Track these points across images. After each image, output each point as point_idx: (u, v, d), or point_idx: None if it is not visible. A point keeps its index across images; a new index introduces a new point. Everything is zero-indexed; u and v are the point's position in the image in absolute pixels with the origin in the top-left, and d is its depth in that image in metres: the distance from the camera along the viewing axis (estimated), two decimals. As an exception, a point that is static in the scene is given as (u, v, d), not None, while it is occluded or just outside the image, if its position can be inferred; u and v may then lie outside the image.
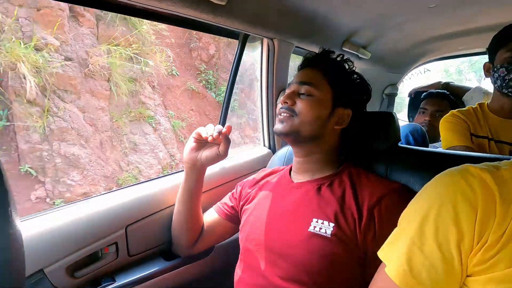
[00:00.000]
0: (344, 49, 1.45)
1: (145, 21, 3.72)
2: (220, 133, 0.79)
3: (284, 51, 1.17)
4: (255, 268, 0.74)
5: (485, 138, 1.03)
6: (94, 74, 3.53)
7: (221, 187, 1.08)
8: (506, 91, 0.97)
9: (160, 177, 1.03)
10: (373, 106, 2.27)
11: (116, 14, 3.54)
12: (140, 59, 3.95)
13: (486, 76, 1.04)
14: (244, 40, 1.09)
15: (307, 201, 0.74)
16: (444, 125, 1.11)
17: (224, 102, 1.12)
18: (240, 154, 1.23)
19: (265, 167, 1.08)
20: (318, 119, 0.75)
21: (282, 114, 0.78)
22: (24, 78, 2.91)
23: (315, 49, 1.41)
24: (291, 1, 0.97)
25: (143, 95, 4.08)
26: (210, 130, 0.81)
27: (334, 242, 0.65)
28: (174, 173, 1.05)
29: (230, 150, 0.82)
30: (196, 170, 0.85)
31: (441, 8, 1.21)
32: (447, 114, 1.14)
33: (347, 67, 0.82)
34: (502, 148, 1.00)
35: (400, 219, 0.49)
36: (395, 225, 0.49)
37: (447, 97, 1.59)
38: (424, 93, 1.68)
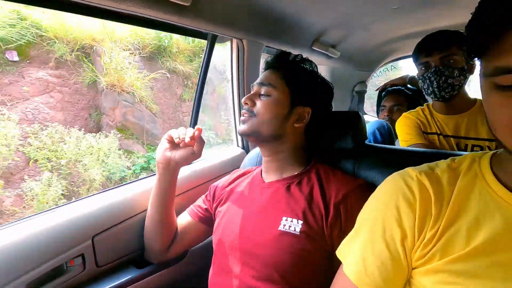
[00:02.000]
0: (314, 48, 1.48)
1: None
2: (192, 138, 0.79)
3: (254, 51, 1.17)
4: (229, 270, 0.75)
5: (435, 134, 1.12)
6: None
7: (195, 189, 1.06)
8: (431, 97, 1.09)
9: (130, 182, 1.00)
10: (344, 103, 2.34)
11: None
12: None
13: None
14: (212, 41, 1.08)
15: (277, 201, 0.75)
16: (400, 126, 1.20)
17: (194, 104, 1.10)
18: (213, 155, 1.22)
19: (238, 167, 1.08)
20: (276, 118, 0.77)
21: (244, 115, 0.81)
22: None
23: (286, 49, 1.42)
24: (259, 1, 0.97)
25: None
26: (181, 134, 0.81)
27: (303, 239, 0.67)
28: (145, 177, 1.02)
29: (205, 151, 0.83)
30: (170, 171, 0.84)
31: (403, 10, 1.27)
32: (401, 117, 1.22)
33: (307, 67, 0.84)
34: (449, 141, 1.09)
35: (357, 220, 0.53)
36: None
37: (403, 92, 1.70)
38: (384, 92, 1.78)
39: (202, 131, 0.82)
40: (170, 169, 0.84)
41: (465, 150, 1.07)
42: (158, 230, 0.86)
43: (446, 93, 1.03)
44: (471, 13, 0.40)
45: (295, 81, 0.79)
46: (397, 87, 1.74)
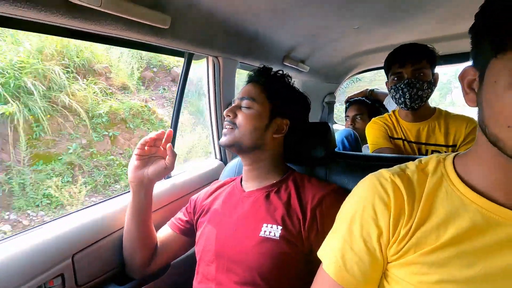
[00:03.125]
0: (285, 63, 1.57)
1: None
2: (160, 138, 0.82)
3: (229, 68, 1.23)
4: (212, 278, 0.77)
5: (400, 140, 1.22)
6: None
7: (175, 203, 1.08)
8: (401, 107, 1.17)
9: (107, 199, 0.99)
10: (316, 114, 2.46)
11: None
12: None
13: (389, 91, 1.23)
14: (189, 58, 1.12)
15: (257, 209, 0.79)
16: (369, 131, 1.29)
17: (172, 120, 1.13)
18: (192, 168, 1.24)
19: (217, 179, 1.11)
20: (256, 130, 0.82)
21: (226, 127, 0.84)
22: None
23: (259, 64, 1.50)
24: (233, 22, 1.04)
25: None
26: (152, 136, 0.84)
27: (282, 243, 0.72)
28: (121, 194, 1.02)
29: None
30: (144, 187, 0.84)
31: (363, 28, 1.40)
32: (370, 122, 1.31)
33: (286, 81, 0.90)
34: (412, 146, 1.19)
35: (336, 220, 0.57)
36: (334, 221, 0.57)
37: (364, 102, 1.87)
38: (347, 103, 1.96)
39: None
40: (144, 186, 0.84)
41: (426, 154, 1.16)
42: (137, 246, 0.86)
43: (415, 104, 1.11)
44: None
45: (275, 95, 0.84)
46: (358, 98, 1.92)
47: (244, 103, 0.83)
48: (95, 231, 0.86)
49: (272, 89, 0.85)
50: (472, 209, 0.44)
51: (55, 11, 0.62)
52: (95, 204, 0.96)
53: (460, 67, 1.92)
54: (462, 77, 0.45)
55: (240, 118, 0.82)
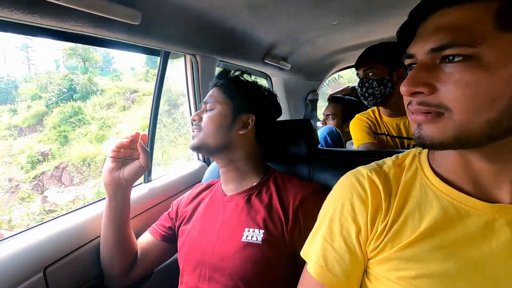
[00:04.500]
0: (266, 61, 1.56)
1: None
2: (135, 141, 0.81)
3: (207, 66, 1.20)
4: (195, 287, 0.74)
5: (384, 135, 1.24)
6: None
7: (156, 207, 1.04)
8: (366, 103, 1.22)
9: (82, 207, 0.94)
10: (299, 111, 2.47)
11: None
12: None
13: None
14: (165, 57, 1.09)
15: (238, 213, 0.78)
16: (353, 127, 1.31)
17: (150, 121, 1.09)
18: (174, 170, 1.21)
19: (200, 181, 1.08)
20: (220, 129, 0.81)
21: (194, 130, 0.85)
22: None
23: (240, 63, 1.49)
24: (209, 19, 1.01)
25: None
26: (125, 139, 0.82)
27: (265, 247, 0.70)
28: (98, 201, 0.97)
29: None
30: (121, 190, 0.81)
31: (342, 25, 1.41)
32: (354, 118, 1.33)
33: (245, 79, 0.89)
34: (394, 141, 1.22)
35: (317, 219, 0.56)
36: (316, 221, 0.56)
37: (341, 101, 1.89)
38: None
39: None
40: (121, 188, 0.81)
41: (408, 149, 1.18)
42: (115, 254, 0.82)
43: (369, 102, 1.19)
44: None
45: (236, 92, 0.85)
46: (336, 96, 1.94)
47: (208, 106, 0.85)
48: (69, 241, 0.81)
49: (232, 88, 0.86)
50: (444, 201, 0.44)
51: (10, 6, 0.57)
52: (68, 213, 0.90)
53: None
54: None
55: (204, 120, 0.84)
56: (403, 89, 0.41)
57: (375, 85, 1.16)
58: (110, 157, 0.81)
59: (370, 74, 1.16)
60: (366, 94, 1.18)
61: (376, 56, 1.16)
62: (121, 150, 0.82)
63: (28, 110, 15.29)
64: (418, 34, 0.43)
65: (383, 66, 1.15)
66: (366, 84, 1.17)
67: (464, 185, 0.44)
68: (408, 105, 0.43)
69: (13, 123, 15.01)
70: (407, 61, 0.45)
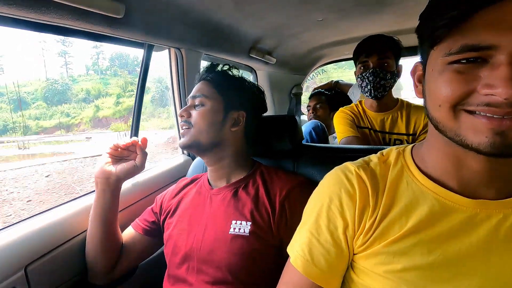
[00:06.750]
0: (251, 55, 1.55)
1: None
2: (135, 144, 0.80)
3: (192, 60, 1.19)
4: (183, 279, 0.76)
5: (367, 129, 1.26)
6: None
7: (140, 202, 1.03)
8: (366, 95, 1.22)
9: (66, 202, 0.92)
10: (284, 105, 2.49)
11: None
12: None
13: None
14: (149, 50, 1.06)
15: (226, 206, 0.78)
16: (337, 120, 1.32)
17: (134, 113, 1.07)
18: (158, 164, 1.20)
19: (185, 175, 1.08)
20: (212, 125, 0.80)
21: (183, 127, 0.83)
22: None
23: (225, 56, 1.47)
24: (193, 12, 0.99)
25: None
26: (125, 141, 0.82)
27: (252, 239, 0.72)
28: (83, 195, 0.95)
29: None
30: (111, 186, 0.80)
31: (327, 21, 1.42)
32: (337, 112, 1.34)
33: (234, 74, 0.88)
34: (377, 135, 1.25)
35: (303, 213, 0.57)
36: (302, 213, 0.57)
37: (322, 93, 2.00)
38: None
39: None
40: (111, 184, 0.80)
41: (389, 143, 1.22)
42: (101, 249, 0.81)
43: (379, 93, 1.15)
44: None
45: (226, 88, 0.83)
46: (317, 90, 2.04)
47: (197, 101, 0.82)
48: (51, 237, 0.79)
49: (222, 83, 0.84)
50: (430, 198, 0.46)
51: None
52: (50, 209, 0.88)
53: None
54: (413, 72, 0.49)
55: (194, 117, 0.81)
56: (505, 91, 0.33)
57: (389, 77, 1.12)
58: (107, 153, 0.82)
59: (385, 64, 1.12)
60: (378, 85, 1.13)
61: (393, 47, 1.12)
62: (119, 149, 0.83)
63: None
64: (494, 20, 0.34)
65: (394, 59, 1.14)
66: (380, 75, 1.12)
67: (450, 182, 0.46)
68: (484, 105, 0.36)
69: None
70: (476, 54, 0.36)
